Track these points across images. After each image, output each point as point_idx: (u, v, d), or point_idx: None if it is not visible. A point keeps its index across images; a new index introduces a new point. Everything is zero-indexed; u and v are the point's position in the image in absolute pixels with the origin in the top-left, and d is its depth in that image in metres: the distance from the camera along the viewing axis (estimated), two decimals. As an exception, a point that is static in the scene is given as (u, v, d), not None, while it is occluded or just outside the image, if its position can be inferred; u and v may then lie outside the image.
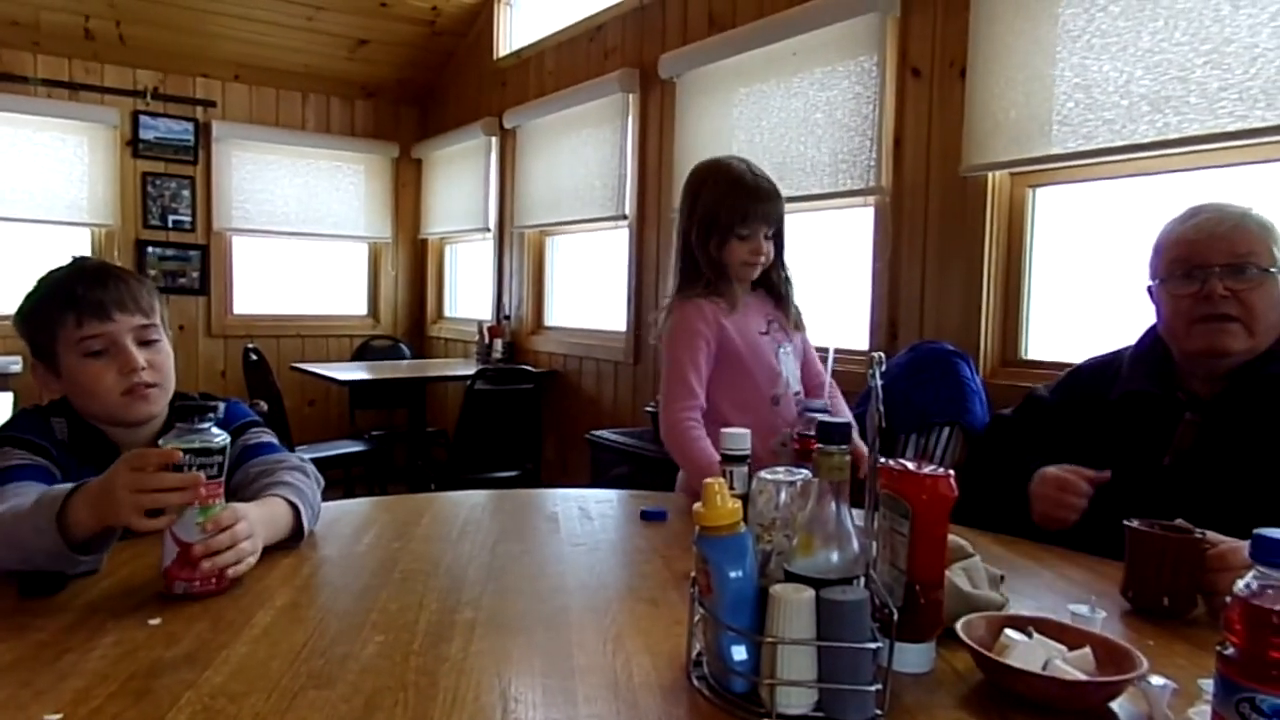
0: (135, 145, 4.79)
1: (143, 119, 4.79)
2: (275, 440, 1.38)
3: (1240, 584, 0.63)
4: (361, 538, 1.31)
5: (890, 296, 2.68)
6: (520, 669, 0.86)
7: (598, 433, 3.20)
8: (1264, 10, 1.79)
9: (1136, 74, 2.00)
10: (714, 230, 1.68)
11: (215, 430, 1.02)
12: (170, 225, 4.93)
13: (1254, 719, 0.60)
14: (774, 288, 1.79)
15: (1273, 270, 1.32)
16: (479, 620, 0.98)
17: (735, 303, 1.71)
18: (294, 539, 1.21)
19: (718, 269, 1.70)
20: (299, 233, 5.33)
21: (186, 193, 4.95)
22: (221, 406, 1.28)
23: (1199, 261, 1.34)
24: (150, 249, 4.87)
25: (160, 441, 1.00)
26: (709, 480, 0.81)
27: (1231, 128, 1.83)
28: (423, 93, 5.62)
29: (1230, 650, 0.63)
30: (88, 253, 4.75)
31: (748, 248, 1.68)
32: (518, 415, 3.85)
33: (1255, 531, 0.63)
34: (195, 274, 5.01)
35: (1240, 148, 1.88)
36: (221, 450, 1.01)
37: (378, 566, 1.17)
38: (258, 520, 1.10)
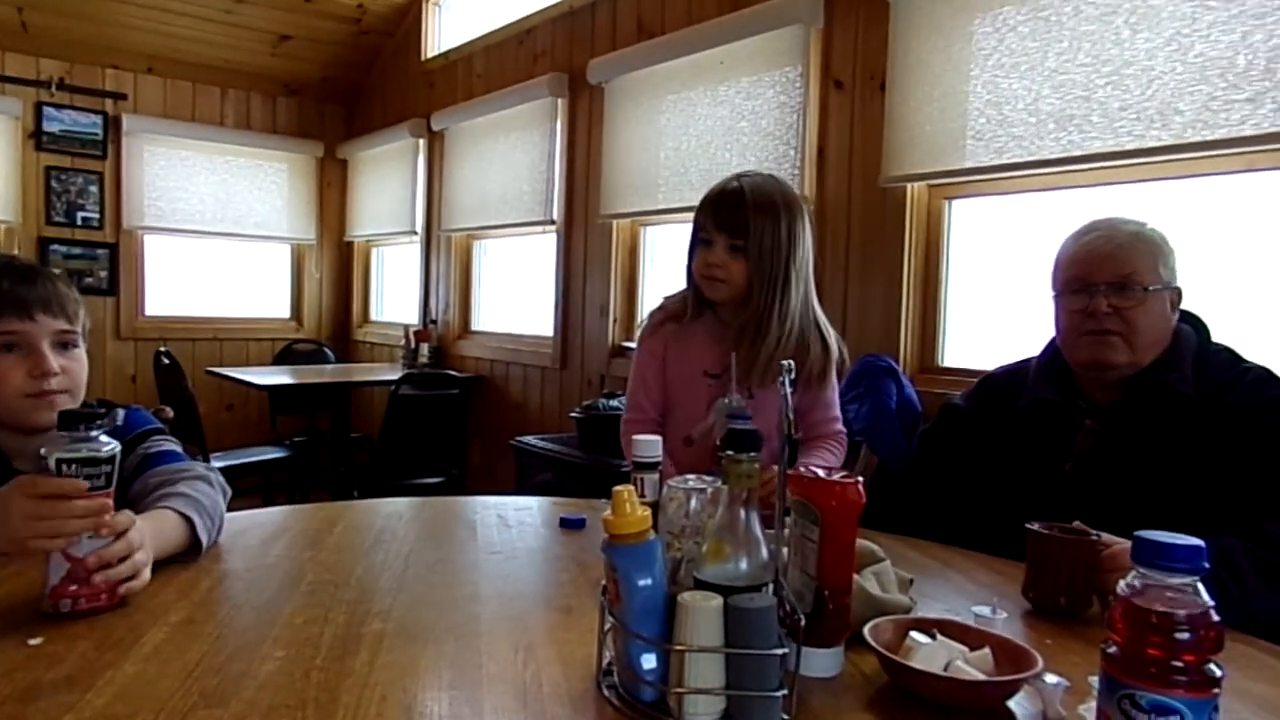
0: (38, 138, 4.57)
1: (47, 110, 4.57)
2: (178, 449, 1.33)
3: (1122, 584, 0.65)
4: (270, 549, 1.26)
5: (813, 304, 2.72)
6: (427, 681, 0.84)
7: (523, 439, 3.18)
8: (1159, 35, 1.88)
9: (1044, 92, 2.08)
10: (693, 234, 1.64)
11: (104, 439, 0.97)
12: (78, 222, 4.71)
13: (1135, 715, 0.63)
14: (759, 327, 1.57)
15: (1155, 288, 1.38)
16: (388, 632, 0.96)
17: (690, 322, 1.67)
18: (192, 552, 1.15)
19: (691, 278, 1.66)
20: (217, 232, 5.16)
21: (95, 188, 4.74)
22: (120, 414, 1.22)
23: (1087, 279, 1.41)
24: (54, 247, 4.65)
25: (42, 451, 0.95)
26: (618, 488, 0.80)
27: (1130, 146, 1.92)
28: (349, 92, 5.50)
29: (1113, 649, 0.65)
30: (-15, 250, 4.51)
31: (703, 256, 1.59)
32: (443, 421, 3.79)
33: (1135, 534, 0.65)
34: (104, 273, 4.80)
35: (1138, 165, 1.97)
36: (109, 460, 0.96)
37: (284, 578, 1.13)
38: (146, 533, 1.05)
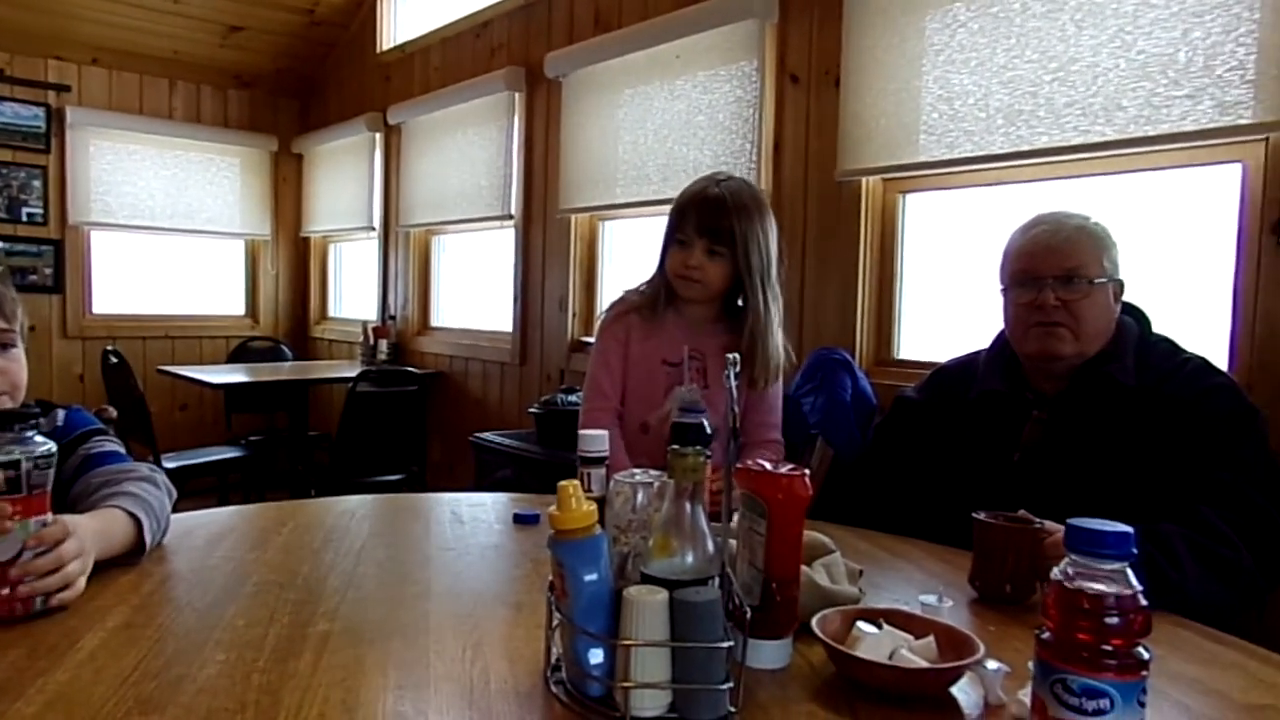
0: (-23, 131, 4.43)
1: (-14, 103, 4.44)
2: (121, 449, 1.30)
3: (1056, 571, 0.67)
4: (215, 549, 1.24)
5: (770, 298, 2.73)
6: (372, 681, 0.83)
7: (481, 435, 3.16)
8: (1104, 32, 1.91)
9: (993, 88, 2.11)
10: (667, 232, 1.67)
11: (39, 439, 0.95)
12: (21, 218, 4.57)
13: (1066, 699, 0.64)
14: (739, 324, 1.66)
15: (1100, 281, 1.41)
16: (334, 632, 0.94)
17: (655, 314, 1.69)
18: (135, 554, 1.13)
19: (663, 274, 1.68)
20: (167, 228, 5.04)
21: (38, 183, 4.60)
22: (60, 414, 1.19)
23: (1034, 272, 1.44)
24: (-4, 243, 4.51)
25: None
26: (563, 483, 0.80)
27: (1075, 141, 1.95)
28: (303, 85, 5.41)
29: (1047, 634, 0.66)
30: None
31: (680, 256, 1.63)
32: (402, 418, 3.75)
33: (1068, 521, 0.66)
34: (49, 270, 4.66)
35: (1084, 160, 2.01)
36: (43, 459, 0.94)
37: (228, 580, 1.11)
38: (90, 534, 1.03)
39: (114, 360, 3.74)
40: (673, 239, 1.65)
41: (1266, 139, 1.73)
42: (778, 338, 1.67)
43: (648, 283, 1.75)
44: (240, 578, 1.12)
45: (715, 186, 1.62)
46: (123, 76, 4.85)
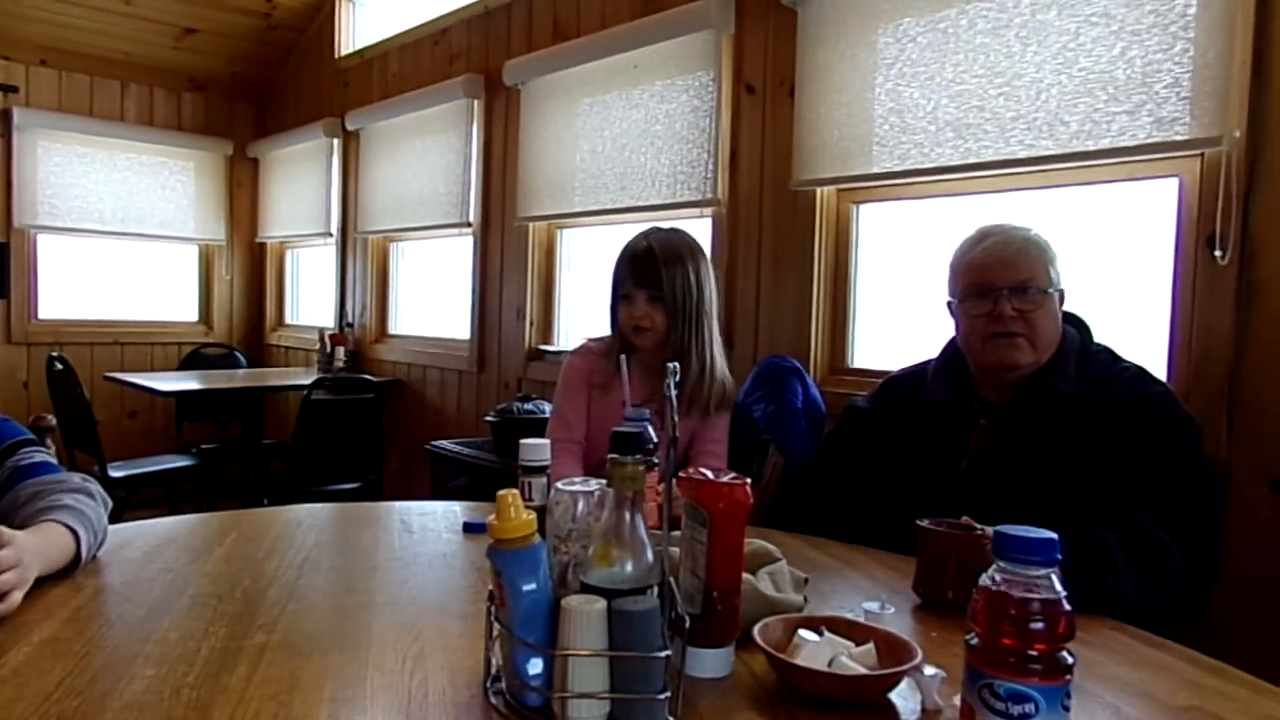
0: (-81, 131, 4.30)
1: (-72, 102, 4.31)
2: (52, 460, 1.26)
3: (984, 578, 0.68)
4: (153, 561, 1.21)
5: (726, 307, 2.75)
6: (307, 694, 0.82)
7: (437, 443, 3.13)
8: (1047, 49, 1.96)
9: (942, 102, 2.15)
10: (612, 292, 1.80)
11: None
12: (-37, 221, 4.44)
13: (993, 703, 0.65)
14: (684, 363, 1.77)
15: (1049, 290, 1.45)
16: (270, 644, 0.93)
17: (614, 362, 1.74)
18: (69, 568, 1.10)
19: (615, 330, 1.80)
20: (118, 232, 4.93)
21: (-19, 185, 4.48)
22: (-15, 425, 1.16)
23: (989, 284, 1.46)
24: (-63, 247, 4.38)
25: None
26: (502, 492, 0.80)
27: (1021, 154, 1.99)
28: (259, 88, 5.33)
29: (975, 640, 0.67)
30: None
31: (627, 311, 1.76)
32: (358, 426, 3.70)
33: (995, 529, 0.67)
34: (-8, 275, 4.54)
35: (1028, 173, 2.05)
36: None
37: (164, 592, 1.08)
38: (31, 549, 1.00)
39: (59, 367, 3.64)
40: (618, 296, 1.78)
41: (1202, 155, 1.78)
42: (721, 367, 1.80)
43: (604, 338, 1.86)
44: (177, 590, 1.09)
45: (645, 240, 1.77)
46: (73, 78, 4.74)
